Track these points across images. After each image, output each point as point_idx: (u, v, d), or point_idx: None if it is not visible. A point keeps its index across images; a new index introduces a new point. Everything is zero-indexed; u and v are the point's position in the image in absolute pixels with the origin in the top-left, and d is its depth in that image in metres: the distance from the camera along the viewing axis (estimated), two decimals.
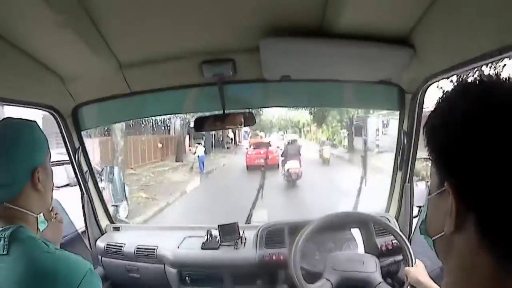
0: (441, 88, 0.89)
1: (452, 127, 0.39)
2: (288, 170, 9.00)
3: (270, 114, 23.38)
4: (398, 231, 1.41)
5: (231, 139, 23.59)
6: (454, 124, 0.39)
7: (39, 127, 0.81)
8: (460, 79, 0.43)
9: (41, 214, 0.78)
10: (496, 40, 0.78)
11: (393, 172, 1.67)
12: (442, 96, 0.43)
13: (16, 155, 0.74)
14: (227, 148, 21.97)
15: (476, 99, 0.38)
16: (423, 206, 0.51)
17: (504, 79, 0.40)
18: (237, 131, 21.66)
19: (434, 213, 0.45)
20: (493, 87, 0.39)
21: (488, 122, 0.36)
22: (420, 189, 1.51)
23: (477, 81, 0.41)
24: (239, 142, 25.22)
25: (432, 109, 0.44)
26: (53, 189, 0.85)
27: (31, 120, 0.80)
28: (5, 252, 0.66)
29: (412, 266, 1.26)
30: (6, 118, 0.78)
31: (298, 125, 25.18)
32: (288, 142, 10.48)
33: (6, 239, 0.67)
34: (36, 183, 0.76)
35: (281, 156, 10.02)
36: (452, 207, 0.39)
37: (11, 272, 0.64)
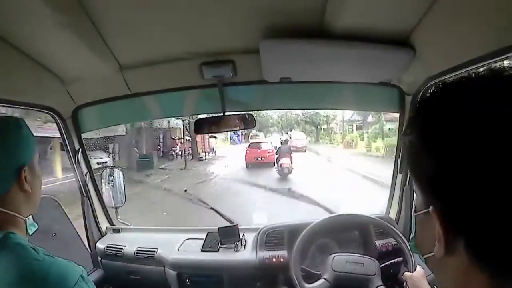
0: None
1: (433, 151, 0.37)
2: (281, 165, 10.71)
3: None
4: (399, 233, 1.41)
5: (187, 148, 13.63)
6: (434, 147, 0.37)
7: (26, 124, 0.77)
8: (434, 88, 0.40)
9: (30, 217, 0.76)
10: (496, 41, 0.78)
11: (393, 174, 1.67)
12: (419, 109, 0.40)
13: (1, 153, 0.70)
14: (147, 175, 10.77)
15: (452, 116, 0.36)
16: (412, 222, 0.49)
17: (482, 80, 0.37)
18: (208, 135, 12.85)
19: (422, 231, 0.44)
20: (469, 98, 0.36)
21: (469, 147, 0.34)
22: None
23: (452, 90, 0.38)
24: (212, 149, 15.70)
25: (408, 122, 0.42)
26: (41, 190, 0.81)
27: (17, 117, 0.76)
28: None
29: (412, 267, 1.25)
30: None
31: (315, 120, 18.12)
32: (281, 142, 12.19)
33: None
34: (23, 183, 0.73)
35: (276, 154, 11.68)
36: (440, 233, 0.38)
37: (0, 282, 0.62)
